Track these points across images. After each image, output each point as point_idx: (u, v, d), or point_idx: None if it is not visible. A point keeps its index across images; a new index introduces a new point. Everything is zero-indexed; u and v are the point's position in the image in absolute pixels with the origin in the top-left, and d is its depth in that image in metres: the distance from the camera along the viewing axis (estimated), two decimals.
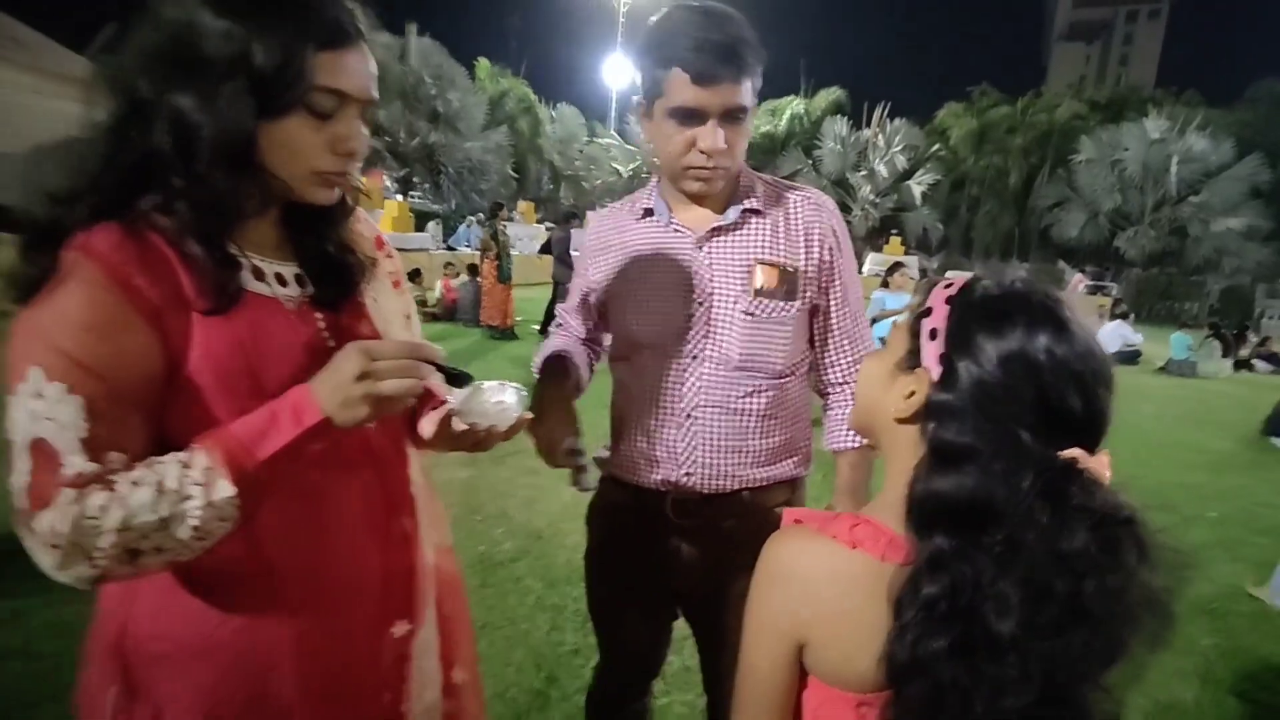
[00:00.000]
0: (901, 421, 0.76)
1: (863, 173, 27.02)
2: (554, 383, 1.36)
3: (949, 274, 0.90)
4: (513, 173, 26.29)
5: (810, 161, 27.93)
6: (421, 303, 10.53)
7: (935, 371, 0.73)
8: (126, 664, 0.85)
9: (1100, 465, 0.70)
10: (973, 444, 0.69)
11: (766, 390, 1.29)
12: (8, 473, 0.75)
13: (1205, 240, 22.96)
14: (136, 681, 0.85)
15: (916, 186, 26.81)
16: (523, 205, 21.93)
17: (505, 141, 23.99)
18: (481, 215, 17.05)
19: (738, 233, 1.28)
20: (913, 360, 0.76)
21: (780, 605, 0.78)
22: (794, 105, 31.72)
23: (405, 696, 1.00)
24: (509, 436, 0.97)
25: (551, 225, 17.33)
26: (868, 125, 27.64)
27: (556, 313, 1.51)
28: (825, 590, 0.76)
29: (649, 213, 1.33)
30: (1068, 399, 0.69)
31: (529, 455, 4.27)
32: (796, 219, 1.30)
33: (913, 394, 0.75)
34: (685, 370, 1.28)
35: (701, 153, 1.18)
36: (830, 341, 1.37)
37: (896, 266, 7.08)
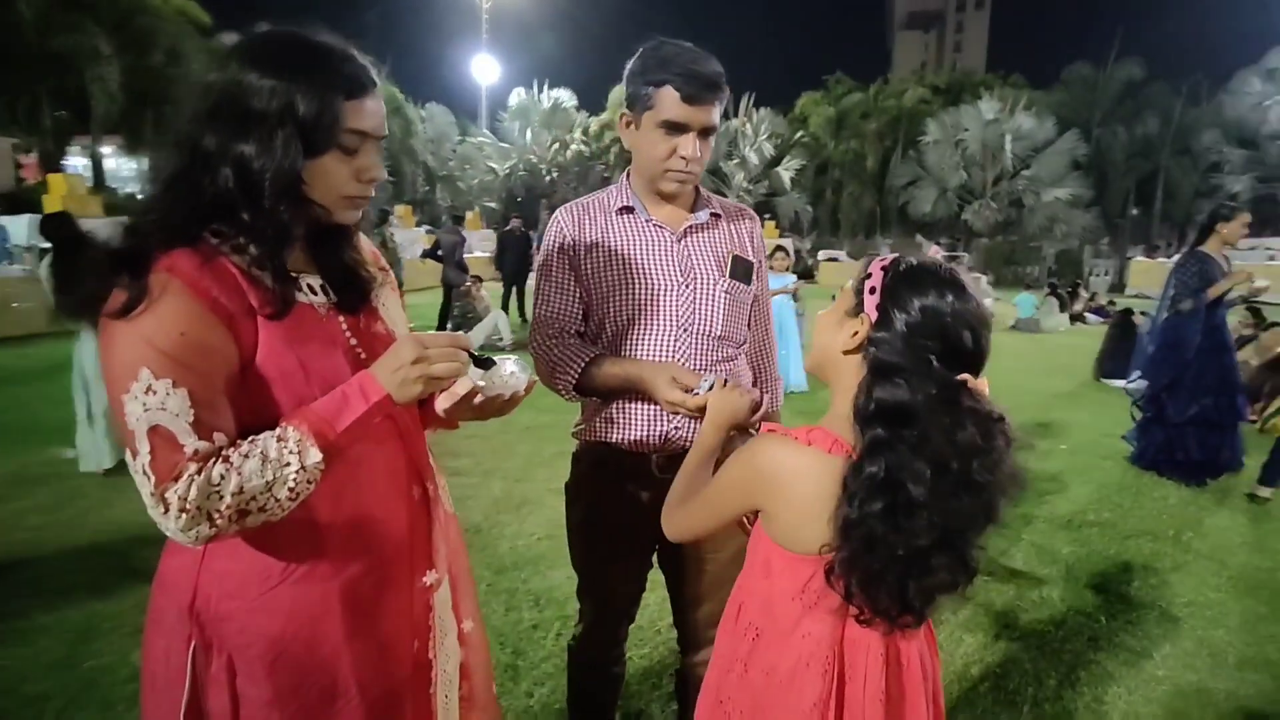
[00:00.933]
0: (847, 353, 1.04)
1: (735, 161, 28.09)
2: (626, 362, 1.47)
3: (877, 253, 1.20)
4: (388, 176, 25.44)
5: None
6: None
7: (874, 316, 1.00)
8: (200, 622, 0.97)
9: (982, 385, 1.00)
10: (900, 364, 0.97)
11: (735, 357, 1.58)
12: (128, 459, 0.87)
13: (1038, 210, 25.55)
14: (210, 636, 0.98)
15: (785, 172, 28.20)
16: (400, 209, 21.30)
17: None
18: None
19: (710, 231, 1.56)
20: (857, 310, 1.03)
21: (744, 478, 1.08)
22: None
23: (431, 643, 1.15)
24: (522, 399, 1.15)
25: (431, 229, 16.93)
26: (735, 115, 28.71)
27: (537, 333, 1.57)
28: (782, 474, 1.04)
29: (627, 210, 1.54)
30: (963, 338, 0.98)
31: (452, 458, 4.39)
32: (741, 224, 1.62)
33: (856, 333, 1.02)
34: (677, 340, 1.51)
35: (682, 158, 1.43)
36: (759, 326, 1.69)
37: (777, 249, 7.57)
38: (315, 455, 0.91)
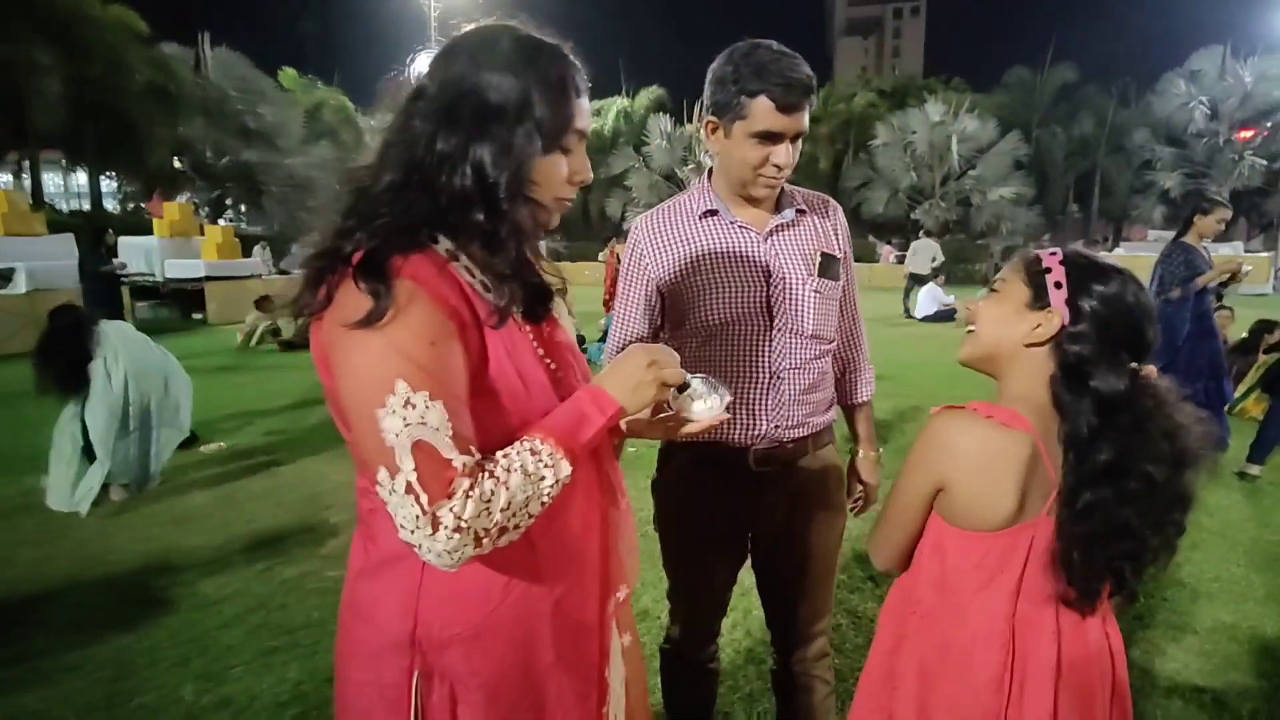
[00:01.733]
0: (1030, 346, 1.06)
1: (691, 166, 28.19)
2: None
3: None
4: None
5: (640, 158, 28.83)
6: (274, 331, 9.76)
7: (1065, 312, 1.03)
8: (424, 651, 0.92)
9: (1151, 372, 1.05)
10: (1096, 357, 1.01)
11: (826, 353, 1.60)
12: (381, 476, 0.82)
13: (985, 208, 26.35)
14: (432, 665, 0.93)
15: None
16: None
17: (331, 155, 22.67)
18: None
19: (796, 229, 1.55)
20: (1037, 303, 1.06)
21: (931, 457, 1.09)
22: (618, 104, 32.53)
23: (607, 662, 1.11)
24: (708, 429, 1.11)
25: None
26: (690, 120, 28.89)
27: (612, 351, 1.61)
28: (966, 449, 1.05)
29: (711, 213, 1.53)
30: (1147, 330, 1.03)
31: None
32: (826, 217, 1.61)
33: (1039, 325, 1.05)
34: (772, 340, 1.51)
35: (775, 165, 1.43)
36: (846, 318, 1.69)
37: None
38: (567, 468, 0.88)
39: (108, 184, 23.20)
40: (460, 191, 0.89)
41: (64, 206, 26.54)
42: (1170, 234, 4.49)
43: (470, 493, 0.81)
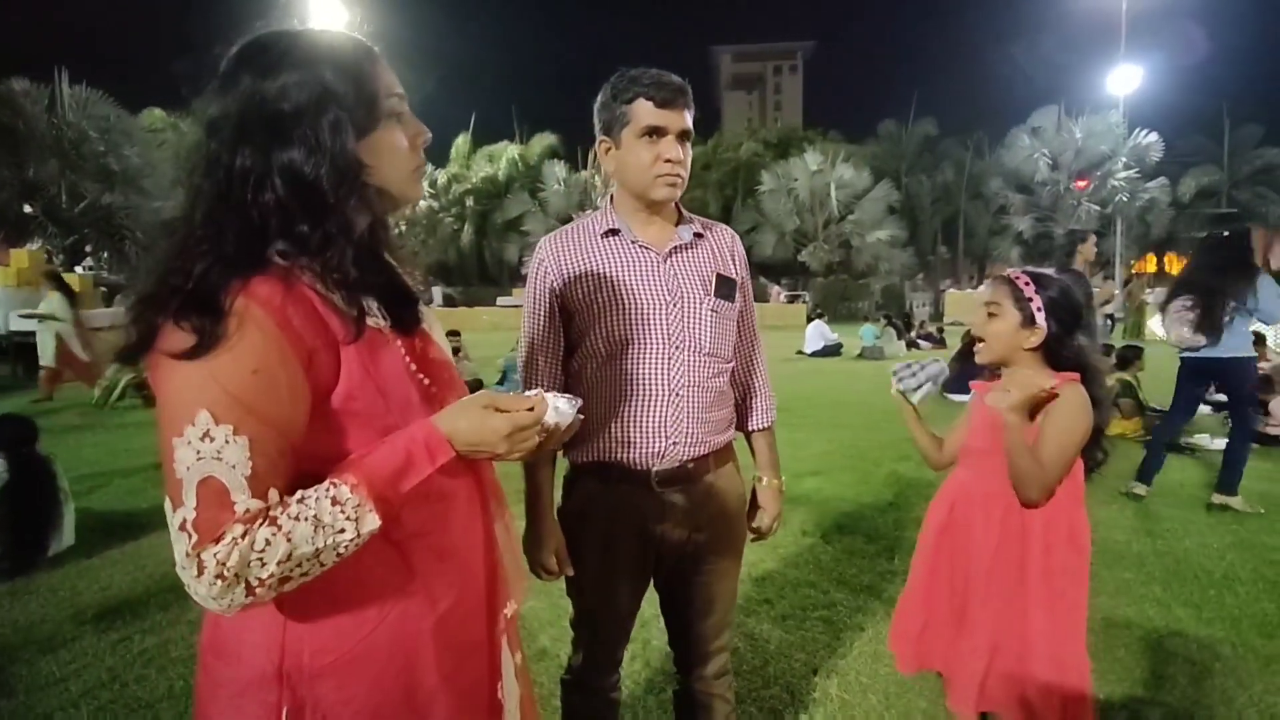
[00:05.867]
0: (1028, 350, 1.71)
1: (588, 211, 28.66)
2: (545, 490, 1.61)
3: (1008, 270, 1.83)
4: None
5: (536, 203, 29.01)
6: (140, 385, 8.99)
7: (1049, 324, 1.69)
8: (293, 684, 0.87)
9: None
10: (1079, 346, 1.72)
11: (723, 372, 1.62)
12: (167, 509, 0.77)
13: (864, 250, 28.19)
14: (302, 699, 0.87)
15: None
16: None
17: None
18: None
19: (695, 250, 1.60)
20: (1030, 321, 1.70)
21: (1087, 412, 1.64)
22: (510, 151, 32.72)
23: (499, 679, 1.08)
24: (568, 436, 1.10)
25: None
26: (585, 167, 29.46)
27: (521, 367, 1.61)
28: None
29: (613, 233, 1.56)
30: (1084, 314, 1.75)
31: None
32: (724, 244, 1.66)
33: (1034, 335, 1.69)
34: (671, 358, 1.53)
35: (667, 161, 1.48)
36: (744, 342, 1.73)
37: None
38: (373, 522, 0.83)
39: None
40: (277, 203, 0.85)
41: None
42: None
43: (239, 540, 0.76)
